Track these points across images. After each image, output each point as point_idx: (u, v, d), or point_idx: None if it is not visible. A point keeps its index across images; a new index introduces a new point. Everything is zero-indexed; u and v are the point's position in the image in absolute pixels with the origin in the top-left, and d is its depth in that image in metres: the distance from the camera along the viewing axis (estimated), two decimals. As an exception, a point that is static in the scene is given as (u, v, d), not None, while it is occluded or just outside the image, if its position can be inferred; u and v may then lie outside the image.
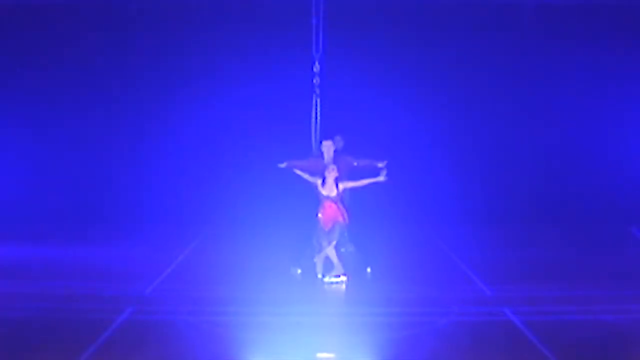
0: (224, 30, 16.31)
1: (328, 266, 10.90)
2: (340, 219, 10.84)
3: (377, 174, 10.99)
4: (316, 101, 11.56)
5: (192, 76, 16.47)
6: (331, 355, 7.67)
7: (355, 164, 11.29)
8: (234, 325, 8.58)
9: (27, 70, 16.39)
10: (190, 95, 16.51)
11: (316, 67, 11.58)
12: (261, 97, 16.29)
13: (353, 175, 11.22)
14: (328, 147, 11.40)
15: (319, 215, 10.83)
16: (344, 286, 10.66)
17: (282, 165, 11.21)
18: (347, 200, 11.17)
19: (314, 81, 11.57)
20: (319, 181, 10.89)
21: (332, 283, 10.72)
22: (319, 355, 7.66)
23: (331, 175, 10.85)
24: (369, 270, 11.03)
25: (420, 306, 9.51)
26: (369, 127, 15.99)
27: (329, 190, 10.85)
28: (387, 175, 10.96)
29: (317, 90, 11.51)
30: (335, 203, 10.86)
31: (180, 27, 16.32)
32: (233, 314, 9.10)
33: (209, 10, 16.25)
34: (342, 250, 11.15)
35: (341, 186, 10.90)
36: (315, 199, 11.01)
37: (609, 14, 16.24)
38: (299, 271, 11.10)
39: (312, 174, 11.03)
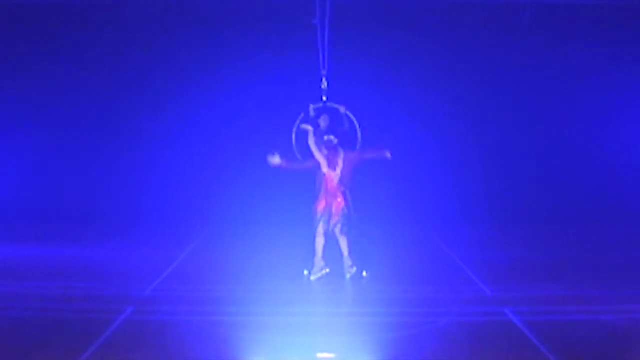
0: (223, 32, 16.30)
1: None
2: (338, 207, 10.78)
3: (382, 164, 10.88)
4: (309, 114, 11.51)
5: (192, 77, 16.48)
6: (331, 355, 7.67)
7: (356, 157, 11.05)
8: (234, 325, 8.58)
9: (27, 72, 16.40)
10: (190, 96, 16.52)
11: (323, 84, 11.56)
12: (261, 97, 16.29)
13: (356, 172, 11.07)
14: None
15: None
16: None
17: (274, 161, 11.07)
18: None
19: (323, 98, 11.54)
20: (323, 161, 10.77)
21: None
22: (319, 355, 7.66)
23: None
24: (364, 274, 11.01)
25: (420, 306, 9.51)
26: (369, 127, 15.98)
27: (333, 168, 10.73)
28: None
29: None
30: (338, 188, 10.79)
31: (180, 29, 16.32)
32: (233, 314, 9.09)
33: (209, 12, 16.25)
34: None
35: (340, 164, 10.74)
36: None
37: (613, 13, 16.23)
38: (306, 272, 11.09)
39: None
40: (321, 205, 10.78)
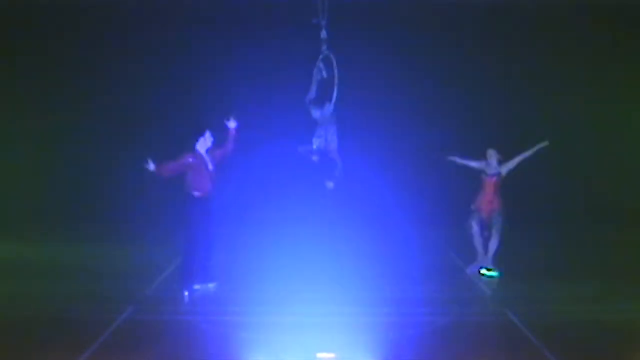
0: (217, 32, 16.23)
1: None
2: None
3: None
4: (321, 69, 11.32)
5: (192, 74, 16.45)
6: (331, 355, 7.67)
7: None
8: (234, 325, 8.58)
9: (26, 71, 16.38)
10: (190, 94, 16.50)
11: (323, 34, 11.35)
12: (262, 95, 16.27)
13: None
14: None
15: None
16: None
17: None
18: None
19: (322, 49, 11.32)
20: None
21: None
22: (319, 355, 7.66)
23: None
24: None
25: (420, 306, 9.51)
26: (370, 126, 15.98)
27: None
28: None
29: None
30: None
31: (178, 29, 16.26)
32: (233, 314, 9.10)
33: (204, 10, 16.20)
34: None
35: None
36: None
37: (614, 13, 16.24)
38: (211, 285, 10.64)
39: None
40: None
